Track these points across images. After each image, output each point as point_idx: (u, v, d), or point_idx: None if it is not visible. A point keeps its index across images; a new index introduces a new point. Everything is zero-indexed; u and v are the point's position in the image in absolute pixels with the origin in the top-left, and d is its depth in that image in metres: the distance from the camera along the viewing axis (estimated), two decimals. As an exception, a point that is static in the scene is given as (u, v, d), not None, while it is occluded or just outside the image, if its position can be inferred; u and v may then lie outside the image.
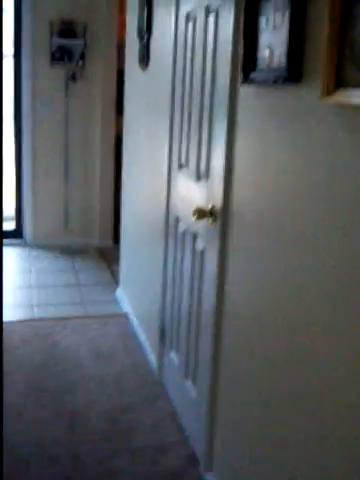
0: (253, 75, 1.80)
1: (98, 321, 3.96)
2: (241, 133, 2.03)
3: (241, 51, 1.88)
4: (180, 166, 2.79)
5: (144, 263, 3.64)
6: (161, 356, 3.20)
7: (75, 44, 5.24)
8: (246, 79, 1.84)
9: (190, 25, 2.58)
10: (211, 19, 2.30)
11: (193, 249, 2.59)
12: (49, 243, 5.52)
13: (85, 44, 5.26)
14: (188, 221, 2.64)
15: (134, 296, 3.97)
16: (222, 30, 2.18)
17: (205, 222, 2.34)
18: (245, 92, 1.95)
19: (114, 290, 4.48)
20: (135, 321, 3.86)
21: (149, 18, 3.30)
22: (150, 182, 3.45)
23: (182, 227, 2.77)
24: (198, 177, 2.51)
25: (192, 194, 2.57)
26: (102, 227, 5.65)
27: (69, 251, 5.42)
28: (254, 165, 1.92)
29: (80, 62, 5.28)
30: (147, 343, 3.54)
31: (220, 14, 2.21)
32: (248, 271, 2.00)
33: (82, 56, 5.27)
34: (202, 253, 2.46)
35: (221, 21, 2.19)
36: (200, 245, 2.49)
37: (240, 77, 1.89)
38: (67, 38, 5.24)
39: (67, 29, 5.23)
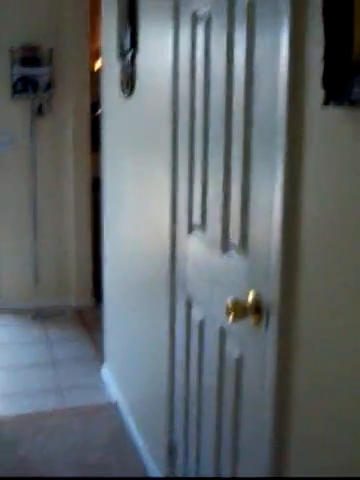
0: (351, 91, 1.02)
1: (80, 418, 3.09)
2: (315, 179, 1.24)
3: (318, 57, 1.10)
4: (191, 228, 1.99)
5: (138, 335, 2.81)
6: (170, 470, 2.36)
7: (40, 73, 4.51)
8: (335, 97, 1.06)
9: (200, 30, 1.81)
10: (240, 15, 1.53)
11: (221, 351, 1.78)
12: (17, 306, 4.64)
13: (52, 72, 4.50)
14: (210, 309, 1.83)
15: (126, 378, 3.13)
16: (263, 30, 1.41)
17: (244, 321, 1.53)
18: (330, 117, 1.16)
19: (98, 368, 3.63)
20: (129, 415, 3.01)
21: (134, 31, 2.53)
22: (144, 239, 2.64)
23: (198, 314, 1.95)
24: (225, 247, 1.71)
25: (216, 273, 1.77)
26: (79, 284, 4.80)
27: (41, 315, 4.55)
28: (344, 230, 1.14)
29: (47, 93, 4.51)
30: (148, 452, 2.68)
31: (257, 8, 1.44)
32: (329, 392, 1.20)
33: (49, 86, 4.51)
34: (239, 362, 1.65)
35: (260, 19, 1.42)
36: (234, 350, 1.68)
37: (321, 95, 1.11)
38: (31, 66, 4.52)
39: (30, 56, 4.51)
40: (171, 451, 2.32)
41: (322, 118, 1.18)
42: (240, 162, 1.57)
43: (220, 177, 1.70)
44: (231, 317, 1.48)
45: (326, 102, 1.08)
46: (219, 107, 1.69)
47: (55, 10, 4.45)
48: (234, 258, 1.65)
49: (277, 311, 1.39)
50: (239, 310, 1.48)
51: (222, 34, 1.64)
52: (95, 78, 4.68)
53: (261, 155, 1.45)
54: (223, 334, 1.76)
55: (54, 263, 4.77)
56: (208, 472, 1.93)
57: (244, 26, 1.50)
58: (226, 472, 1.79)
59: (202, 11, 1.79)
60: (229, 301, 1.49)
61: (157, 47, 2.27)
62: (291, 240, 1.32)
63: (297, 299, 1.32)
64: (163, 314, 2.30)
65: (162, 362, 2.36)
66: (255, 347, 1.53)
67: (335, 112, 1.12)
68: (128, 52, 2.62)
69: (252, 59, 1.47)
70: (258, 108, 1.46)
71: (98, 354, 3.81)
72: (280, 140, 1.32)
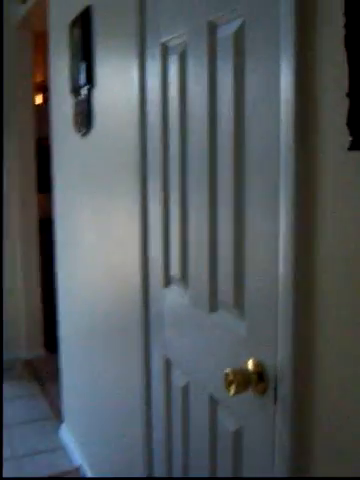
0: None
1: (41, 489, 2.78)
2: (334, 229, 1.06)
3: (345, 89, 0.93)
4: (168, 281, 1.78)
5: (103, 391, 2.55)
6: None
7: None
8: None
9: (172, 64, 1.63)
10: (224, 46, 1.36)
11: (212, 422, 1.56)
12: None
13: (-7, 109, 4.23)
14: (196, 375, 1.62)
15: (90, 441, 2.85)
16: (256, 62, 1.24)
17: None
18: (354, 161, 0.99)
19: (56, 429, 3.32)
20: (95, 483, 2.73)
21: (90, 64, 2.34)
22: (108, 289, 2.41)
23: (181, 378, 1.73)
24: (214, 305, 1.51)
25: (203, 335, 1.56)
26: (30, 334, 4.48)
27: (-11, 370, 4.20)
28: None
29: (-12, 132, 4.24)
30: None
31: (246, 36, 1.27)
32: None
33: (-9, 124, 4.23)
34: (237, 436, 1.43)
35: (251, 48, 1.25)
36: (230, 422, 1.46)
37: (339, 136, 0.93)
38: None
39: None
40: None
41: (343, 161, 1.00)
42: (230, 207, 1.37)
43: (204, 223, 1.50)
44: (233, 390, 1.27)
45: (354, 147, 0.91)
46: (200, 147, 1.50)
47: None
48: (225, 319, 1.45)
49: (290, 381, 1.18)
50: (241, 381, 1.28)
51: (201, 67, 1.46)
52: (39, 113, 4.46)
53: (258, 199, 1.26)
54: (214, 403, 1.54)
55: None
56: None
57: (230, 58, 1.33)
58: None
59: (174, 42, 1.61)
60: (229, 371, 1.28)
61: (118, 82, 2.08)
62: (304, 297, 1.13)
63: (315, 366, 1.13)
64: (135, 372, 2.07)
65: (135, 426, 2.12)
66: (259, 421, 1.32)
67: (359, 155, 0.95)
68: (83, 87, 2.42)
69: (242, 96, 1.29)
70: (252, 148, 1.27)
71: (55, 412, 3.50)
72: (286, 183, 1.14)
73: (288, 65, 1.10)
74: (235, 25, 1.30)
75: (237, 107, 1.32)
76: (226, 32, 1.34)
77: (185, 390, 1.70)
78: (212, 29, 1.40)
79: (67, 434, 3.19)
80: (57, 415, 3.44)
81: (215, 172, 1.44)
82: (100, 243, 2.44)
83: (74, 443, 3.07)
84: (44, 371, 4.16)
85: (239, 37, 1.29)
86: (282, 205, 1.16)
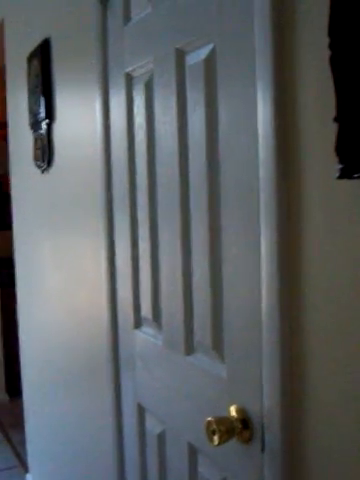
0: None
1: None
2: (323, 261, 0.99)
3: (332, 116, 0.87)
4: (139, 323, 1.68)
5: (71, 438, 2.40)
6: None
7: None
8: (356, 169, 0.82)
9: (137, 93, 1.57)
10: (194, 73, 1.30)
11: (192, 472, 1.45)
12: None
13: None
14: (172, 422, 1.51)
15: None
16: (229, 88, 1.18)
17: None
18: (341, 189, 0.92)
19: (22, 478, 3.13)
20: None
21: (49, 98, 2.26)
22: (72, 331, 2.29)
23: (155, 426, 1.62)
24: (189, 348, 1.41)
25: (178, 380, 1.46)
26: (-9, 378, 4.28)
27: None
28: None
29: None
30: None
31: (218, 60, 1.21)
32: None
33: None
34: (221, 489, 1.33)
35: (224, 74, 1.19)
36: (213, 472, 1.36)
37: (325, 163, 0.87)
38: None
39: None
40: None
41: (330, 191, 0.94)
42: (205, 240, 1.29)
43: (176, 258, 1.42)
44: (216, 440, 1.17)
45: (344, 175, 0.84)
46: (170, 180, 1.42)
47: None
48: (203, 361, 1.36)
49: (278, 428, 1.09)
50: (224, 430, 1.18)
51: (169, 97, 1.39)
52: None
53: (236, 231, 1.19)
54: (194, 452, 1.44)
55: None
56: None
57: (201, 87, 1.26)
58: None
59: (139, 71, 1.55)
60: (211, 420, 1.19)
61: (80, 115, 2.00)
62: (292, 334, 1.06)
63: (306, 409, 1.04)
64: (105, 420, 1.95)
65: (106, 473, 1.99)
66: (245, 471, 1.22)
67: (349, 183, 0.89)
68: (42, 122, 2.33)
69: (215, 126, 1.23)
70: (228, 181, 1.20)
71: (19, 462, 3.32)
72: (267, 217, 1.07)
73: (265, 89, 1.03)
74: (205, 51, 1.24)
75: (210, 138, 1.25)
76: (196, 59, 1.28)
77: (161, 438, 1.59)
78: (180, 56, 1.34)
79: (33, 485, 3.01)
80: (22, 465, 3.26)
81: (187, 204, 1.37)
82: (64, 282, 2.33)
83: (40, 495, 2.90)
84: (7, 417, 3.96)
85: (210, 63, 1.23)
86: (263, 236, 1.08)
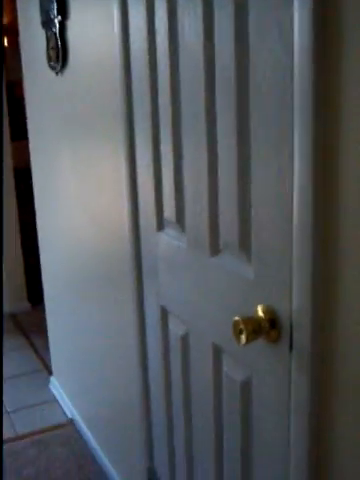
0: None
1: (34, 444, 2.71)
2: None
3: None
4: (162, 225, 1.65)
5: (94, 341, 2.46)
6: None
7: None
8: None
9: (157, -18, 1.46)
10: None
11: (217, 371, 1.47)
12: None
13: None
14: (196, 324, 1.51)
15: (81, 392, 2.78)
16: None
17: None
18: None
19: (46, 382, 3.24)
20: (89, 433, 2.67)
21: (62, -8, 2.13)
22: (94, 235, 2.28)
23: (179, 328, 1.63)
24: (215, 248, 1.39)
25: (203, 280, 1.44)
26: (12, 287, 4.34)
27: (-28, 326, 4.09)
28: None
29: None
30: (120, 479, 2.36)
31: None
32: None
33: None
34: (246, 386, 1.34)
35: None
36: (237, 371, 1.37)
37: None
38: None
39: None
40: (152, 476, 2.00)
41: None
42: (233, 132, 1.23)
43: (201, 158, 1.36)
44: (244, 339, 1.17)
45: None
46: (194, 75, 1.35)
47: None
48: (229, 262, 1.33)
49: (308, 327, 1.08)
50: (252, 329, 1.17)
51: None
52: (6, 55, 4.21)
53: (267, 121, 1.13)
54: (218, 352, 1.44)
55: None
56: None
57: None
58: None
59: None
60: (239, 319, 1.17)
61: (95, 12, 1.89)
62: (326, 232, 1.02)
63: (337, 310, 1.02)
64: (127, 322, 1.97)
65: (129, 374, 2.03)
66: (271, 370, 1.23)
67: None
68: (54, 20, 2.22)
69: (245, 23, 1.14)
70: (258, 65, 1.13)
71: (43, 365, 3.42)
72: (301, 107, 1.00)
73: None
74: None
75: (238, 35, 1.16)
76: None
77: (185, 339, 1.60)
78: None
79: (57, 387, 3.12)
80: (46, 368, 3.36)
81: (213, 100, 1.30)
82: (84, 189, 2.29)
83: (65, 395, 3.00)
84: (29, 324, 4.05)
85: None
86: (297, 128, 1.02)
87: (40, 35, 2.43)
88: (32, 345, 3.74)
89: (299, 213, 1.05)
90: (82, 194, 2.31)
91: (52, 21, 2.25)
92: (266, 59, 1.09)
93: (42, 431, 2.80)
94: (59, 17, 2.18)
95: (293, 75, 1.01)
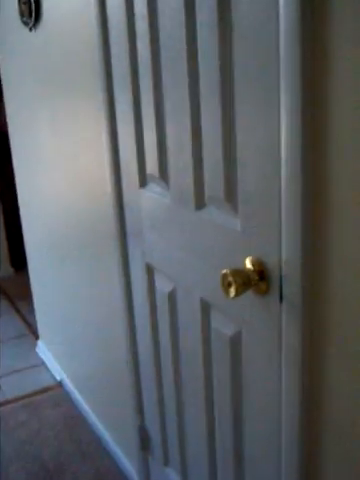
0: None
1: (24, 408, 2.71)
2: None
3: None
4: (144, 181, 1.61)
5: (80, 303, 2.44)
6: (145, 468, 2.07)
7: None
8: None
9: None
10: None
11: (205, 327, 1.46)
12: None
13: None
14: (182, 279, 1.49)
15: (69, 354, 2.77)
16: None
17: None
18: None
19: (33, 346, 3.23)
20: (79, 394, 2.67)
21: None
22: (76, 195, 2.24)
23: (165, 284, 1.61)
24: (200, 202, 1.36)
25: (188, 236, 1.41)
26: (-6, 253, 4.30)
27: None
28: None
29: None
30: (114, 442, 2.38)
31: None
32: None
33: None
34: (235, 340, 1.33)
35: None
36: (227, 326, 1.36)
37: None
38: None
39: None
40: (143, 438, 2.01)
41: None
42: (216, 87, 1.19)
43: (185, 111, 1.32)
44: (233, 292, 1.15)
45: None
46: (175, 24, 1.29)
47: None
48: (215, 215, 1.30)
49: (299, 277, 1.06)
50: (241, 282, 1.15)
51: None
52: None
53: (250, 78, 1.08)
54: (206, 307, 1.43)
55: None
56: (199, 468, 1.64)
57: None
58: (230, 464, 1.50)
59: None
60: (227, 272, 1.15)
61: None
62: (315, 183, 0.99)
63: (328, 259, 1.00)
64: (112, 281, 1.95)
65: (117, 334, 2.02)
66: (261, 322, 1.21)
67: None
68: (26, -29, 2.12)
69: None
70: (244, 20, 1.08)
71: (30, 330, 3.40)
72: (287, 50, 0.96)
73: None
74: None
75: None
76: None
77: (172, 296, 1.59)
78: None
79: (44, 350, 3.11)
80: (32, 332, 3.35)
81: (195, 47, 1.25)
82: (63, 149, 2.24)
83: (53, 359, 2.99)
84: (14, 289, 4.02)
85: None
86: (283, 72, 0.98)
87: (11, -12, 2.33)
88: (17, 310, 3.71)
89: (287, 163, 1.02)
90: (62, 154, 2.25)
91: (23, -27, 2.15)
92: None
93: (31, 394, 2.80)
94: (30, -32, 2.09)
95: (278, 16, 0.97)
